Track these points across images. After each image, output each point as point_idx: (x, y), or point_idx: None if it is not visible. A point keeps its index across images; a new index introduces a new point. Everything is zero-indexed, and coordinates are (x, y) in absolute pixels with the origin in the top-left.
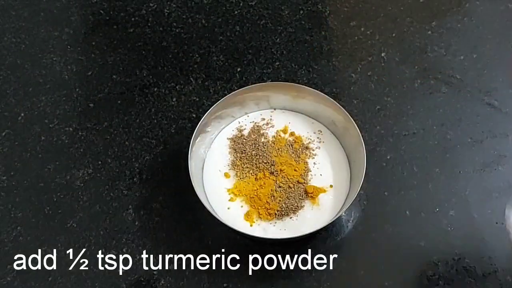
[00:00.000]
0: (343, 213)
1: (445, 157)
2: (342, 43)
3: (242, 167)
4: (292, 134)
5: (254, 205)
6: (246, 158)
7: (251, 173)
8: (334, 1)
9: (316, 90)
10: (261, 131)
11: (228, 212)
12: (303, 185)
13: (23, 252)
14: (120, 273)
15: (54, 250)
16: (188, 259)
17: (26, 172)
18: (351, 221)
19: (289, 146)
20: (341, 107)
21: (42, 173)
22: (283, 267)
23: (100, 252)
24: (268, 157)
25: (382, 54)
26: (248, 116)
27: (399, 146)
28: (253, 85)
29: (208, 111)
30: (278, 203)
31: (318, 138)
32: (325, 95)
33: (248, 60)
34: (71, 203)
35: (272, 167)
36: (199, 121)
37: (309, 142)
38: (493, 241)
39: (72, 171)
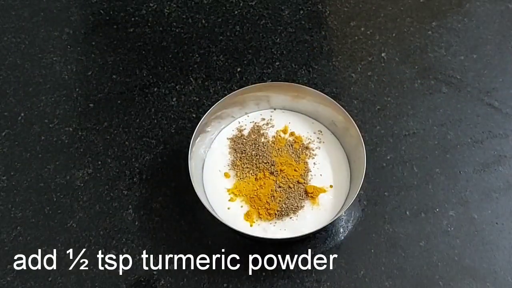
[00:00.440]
0: (343, 213)
1: (445, 157)
2: (342, 43)
3: (242, 167)
4: (292, 134)
5: (254, 205)
6: (246, 158)
7: (251, 173)
8: (334, 1)
9: (316, 90)
10: (261, 131)
11: (228, 212)
12: (303, 185)
13: (23, 252)
14: (120, 273)
15: (54, 250)
16: (188, 259)
17: (26, 172)
18: (351, 221)
19: (289, 146)
20: (341, 107)
21: (42, 173)
22: (283, 267)
23: (100, 252)
24: (268, 157)
25: (382, 54)
26: (248, 116)
27: (399, 146)
28: (253, 85)
29: (208, 111)
30: (278, 203)
31: (318, 138)
32: (325, 95)
33: (248, 60)
34: (71, 203)
35: (272, 167)
36: (199, 121)
37: (309, 142)
38: (493, 241)
39: (72, 171)
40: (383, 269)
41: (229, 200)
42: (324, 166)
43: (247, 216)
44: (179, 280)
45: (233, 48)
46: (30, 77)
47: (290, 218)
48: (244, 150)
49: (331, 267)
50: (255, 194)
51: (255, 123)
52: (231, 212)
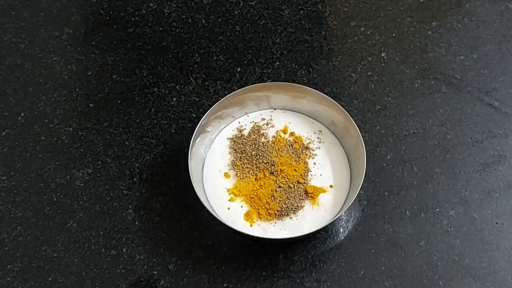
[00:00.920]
0: (343, 213)
1: (445, 157)
2: (342, 43)
3: (242, 167)
4: (292, 134)
5: (254, 205)
6: (246, 158)
7: (251, 173)
8: (334, 1)
9: (316, 90)
10: (261, 131)
11: (228, 212)
12: (303, 185)
13: (23, 252)
14: (120, 273)
15: (54, 250)
16: (188, 259)
17: (26, 172)
18: (351, 221)
19: (289, 146)
20: (341, 107)
21: (42, 173)
22: (283, 267)
23: (100, 252)
24: (268, 157)
25: (382, 54)
26: (248, 116)
27: (399, 146)
28: (253, 85)
29: (208, 111)
30: (278, 203)
31: (318, 138)
32: (325, 95)
33: (248, 60)
34: (71, 203)
35: (272, 167)
36: (199, 121)
37: (309, 142)
38: (493, 241)
39: (72, 171)
40: (383, 269)
41: (229, 200)
42: (324, 166)
43: (247, 216)
44: (179, 280)
45: (233, 48)
46: (30, 77)
47: (290, 218)
48: (244, 150)
49: (331, 267)
50: (255, 194)
51: (255, 123)
52: (231, 212)
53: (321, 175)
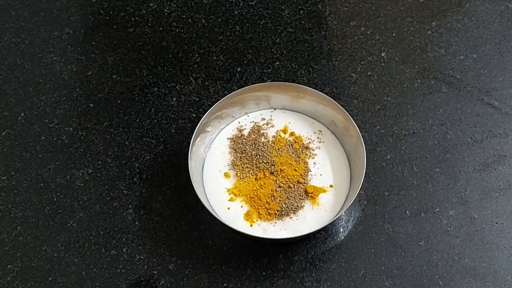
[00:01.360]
0: (343, 213)
1: (445, 157)
2: (342, 43)
3: (242, 167)
4: (292, 134)
5: (254, 205)
6: (246, 158)
7: (251, 173)
8: (334, 1)
9: (316, 90)
10: (261, 131)
11: (228, 212)
12: (303, 185)
13: (23, 252)
14: (120, 273)
15: (54, 250)
16: (188, 259)
17: (26, 172)
18: (351, 221)
19: (289, 146)
20: (341, 107)
21: (42, 173)
22: (283, 267)
23: (100, 252)
24: (268, 157)
25: (382, 54)
26: (248, 116)
27: (399, 146)
28: (253, 85)
29: (208, 111)
30: (278, 203)
31: (318, 138)
32: (325, 95)
33: (248, 60)
34: (71, 203)
35: (272, 167)
36: (199, 121)
37: (309, 142)
38: (493, 241)
39: (72, 171)
40: (383, 269)
41: (229, 200)
42: (324, 166)
43: (247, 216)
44: (179, 280)
45: (233, 48)
46: (30, 77)
47: (290, 218)
48: (244, 150)
49: (331, 267)
50: (255, 194)
51: (255, 123)
52: (231, 212)
53: (321, 175)
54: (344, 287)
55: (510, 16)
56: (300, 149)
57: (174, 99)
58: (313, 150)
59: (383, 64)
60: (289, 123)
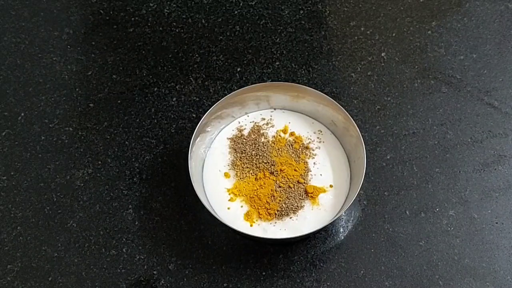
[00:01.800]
0: (343, 213)
1: (445, 157)
2: (342, 43)
3: (242, 167)
4: (292, 134)
5: (254, 205)
6: (246, 158)
7: (251, 173)
8: (334, 1)
9: (316, 90)
10: (261, 131)
11: (228, 212)
12: (303, 185)
13: (23, 252)
14: (120, 273)
15: (54, 250)
16: (188, 259)
17: (26, 172)
18: (351, 221)
19: (289, 146)
20: (341, 107)
21: (42, 173)
22: (283, 267)
23: (100, 252)
24: (268, 157)
25: (382, 54)
26: (248, 116)
27: (399, 146)
28: (253, 85)
29: (208, 111)
30: (278, 203)
31: (318, 138)
32: (325, 95)
33: (248, 60)
34: (71, 203)
35: (272, 167)
36: (199, 121)
37: (309, 142)
38: (493, 241)
39: (72, 171)
40: (383, 269)
41: (229, 200)
42: (324, 166)
43: (247, 216)
44: (179, 280)
45: (233, 48)
46: (30, 77)
47: (290, 218)
48: (244, 150)
49: (331, 267)
50: (255, 194)
51: (255, 123)
52: (231, 212)
53: (321, 175)
54: (344, 287)
55: (510, 16)
56: (300, 149)
57: (174, 99)
58: (313, 150)
59: (383, 64)
60: (289, 123)
